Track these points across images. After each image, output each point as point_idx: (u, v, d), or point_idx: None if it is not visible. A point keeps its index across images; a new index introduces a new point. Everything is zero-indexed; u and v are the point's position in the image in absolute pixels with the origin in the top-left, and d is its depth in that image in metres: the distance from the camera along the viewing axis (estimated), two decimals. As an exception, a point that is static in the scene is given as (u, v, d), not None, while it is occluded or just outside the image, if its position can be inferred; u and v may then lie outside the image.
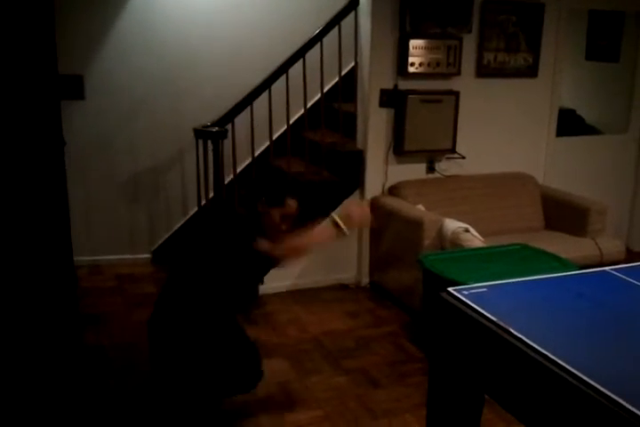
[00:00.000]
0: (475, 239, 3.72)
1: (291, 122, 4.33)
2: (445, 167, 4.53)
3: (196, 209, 4.63)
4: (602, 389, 1.40)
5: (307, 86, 4.20)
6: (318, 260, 4.28)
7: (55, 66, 2.72)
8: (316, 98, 4.49)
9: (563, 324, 1.78)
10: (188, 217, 4.94)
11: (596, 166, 5.11)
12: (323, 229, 2.64)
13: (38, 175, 2.75)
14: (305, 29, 4.24)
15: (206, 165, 4.03)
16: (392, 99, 4.24)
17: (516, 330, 1.67)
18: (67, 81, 4.35)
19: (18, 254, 2.72)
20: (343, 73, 4.41)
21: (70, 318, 2.84)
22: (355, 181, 4.37)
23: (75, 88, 4.47)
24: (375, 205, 4.33)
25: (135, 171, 4.78)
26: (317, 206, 3.47)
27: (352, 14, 4.23)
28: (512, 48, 4.54)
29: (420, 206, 4.13)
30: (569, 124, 5.21)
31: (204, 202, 4.26)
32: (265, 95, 4.11)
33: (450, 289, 1.95)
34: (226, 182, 4.22)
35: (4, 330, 2.68)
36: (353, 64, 4.43)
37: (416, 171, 4.46)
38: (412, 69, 4.19)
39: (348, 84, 4.41)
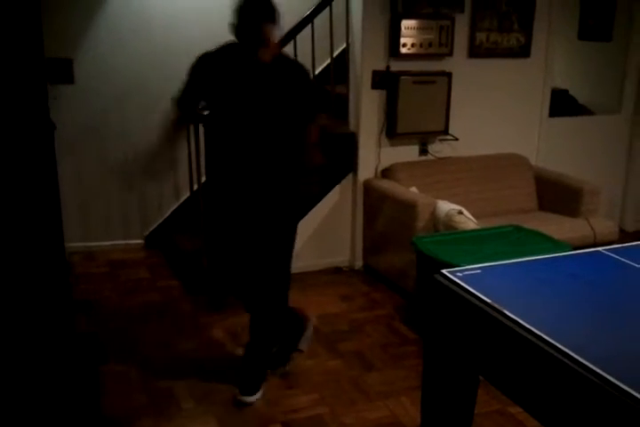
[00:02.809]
0: (468, 221, 3.71)
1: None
2: (438, 149, 4.51)
3: (188, 194, 4.60)
4: (595, 368, 1.40)
5: (298, 68, 4.16)
6: (311, 243, 4.28)
7: (41, 49, 2.68)
8: (308, 80, 4.46)
9: (556, 304, 1.77)
10: (180, 202, 4.92)
11: (589, 147, 5.10)
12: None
13: (28, 161, 2.72)
14: (296, 11, 4.19)
15: (198, 149, 4.00)
16: (384, 80, 4.21)
17: (509, 311, 1.66)
18: (56, 65, 4.30)
19: (8, 241, 2.70)
20: (335, 55, 4.37)
21: (63, 304, 2.82)
22: (347, 163, 4.35)
23: (64, 72, 4.42)
24: (368, 188, 4.32)
25: (127, 155, 4.74)
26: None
27: (343, -5, 4.19)
28: (504, 28, 4.50)
29: (414, 189, 4.12)
30: (562, 104, 5.19)
31: (195, 187, 4.23)
32: (256, 78, 4.06)
33: (443, 271, 1.94)
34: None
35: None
36: (344, 45, 4.39)
37: (409, 153, 4.44)
38: (404, 50, 4.15)
39: (340, 65, 4.37)
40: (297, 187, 2.94)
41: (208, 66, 2.82)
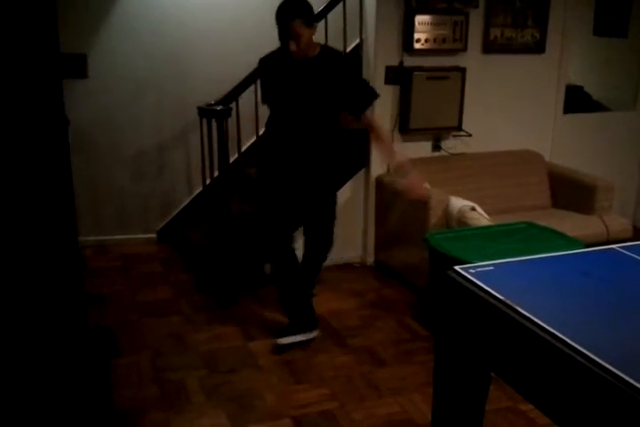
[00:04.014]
0: (481, 218, 3.70)
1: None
2: (451, 145, 4.50)
3: (200, 188, 4.61)
4: (609, 366, 1.39)
5: (311, 64, 4.16)
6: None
7: (57, 44, 2.69)
8: (321, 75, 4.45)
9: (570, 302, 1.76)
10: (192, 196, 4.93)
11: (604, 144, 5.06)
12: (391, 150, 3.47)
13: (42, 155, 2.73)
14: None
15: (211, 143, 4.01)
16: (398, 76, 4.20)
17: (523, 308, 1.65)
18: (70, 60, 4.32)
19: (22, 235, 2.72)
20: (348, 50, 4.35)
21: (75, 297, 2.84)
22: (360, 159, 4.35)
23: (78, 67, 4.44)
24: (381, 184, 4.31)
25: (140, 150, 4.76)
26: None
27: (357, -10, 4.18)
28: (519, 23, 4.47)
29: (426, 185, 4.10)
30: (576, 100, 5.16)
31: (208, 181, 4.24)
32: (269, 73, 4.06)
33: (456, 267, 1.93)
34: (230, 161, 4.19)
35: (9, 310, 2.68)
36: (358, 41, 4.38)
37: (422, 149, 4.43)
38: (417, 46, 4.13)
39: (354, 61, 4.36)
40: (338, 161, 3.50)
41: (265, 67, 3.30)
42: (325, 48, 3.31)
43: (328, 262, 4.37)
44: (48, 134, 2.71)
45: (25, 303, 2.72)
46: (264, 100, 3.36)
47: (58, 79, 2.74)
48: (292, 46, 3.10)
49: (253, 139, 4.43)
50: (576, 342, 1.48)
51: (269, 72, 3.29)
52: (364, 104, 3.36)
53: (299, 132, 3.28)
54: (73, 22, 4.23)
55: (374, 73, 4.16)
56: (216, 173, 4.13)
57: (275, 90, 3.27)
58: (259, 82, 3.57)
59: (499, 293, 1.75)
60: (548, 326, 1.56)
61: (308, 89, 3.21)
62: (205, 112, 4.01)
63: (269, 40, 4.03)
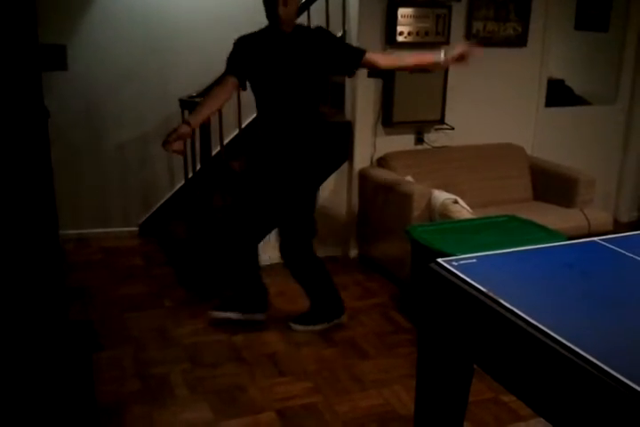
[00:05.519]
0: (463, 210, 3.71)
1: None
2: (434, 138, 4.51)
3: (182, 182, 4.59)
4: (591, 358, 1.40)
5: (294, 56, 4.14)
6: (307, 232, 4.26)
7: (36, 35, 2.65)
8: (304, 68, 4.44)
9: (552, 294, 1.77)
10: (175, 190, 4.90)
11: (585, 137, 5.10)
12: (424, 55, 3.39)
13: (21, 148, 2.70)
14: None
15: (193, 136, 3.98)
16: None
17: (505, 301, 1.66)
18: (49, 51, 4.26)
19: (2, 229, 2.69)
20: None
21: (56, 291, 2.81)
22: (343, 152, 4.34)
23: (57, 58, 4.38)
24: (364, 177, 4.31)
25: (121, 143, 4.72)
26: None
27: (340, -18, 4.16)
28: (501, 17, 4.49)
29: (409, 178, 4.11)
30: (558, 94, 5.18)
31: (190, 175, 4.22)
32: (251, 65, 4.04)
33: (439, 260, 1.93)
34: (212, 154, 4.17)
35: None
36: (341, 33, 4.37)
37: (405, 142, 4.43)
38: (400, 38, 4.13)
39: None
40: (321, 148, 3.38)
41: (243, 48, 3.20)
42: (298, 25, 3.28)
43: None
44: (27, 126, 2.68)
45: (5, 297, 2.69)
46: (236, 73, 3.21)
47: (37, 70, 2.70)
48: (281, 11, 3.03)
49: (236, 132, 4.41)
50: (558, 334, 1.49)
51: (251, 50, 3.19)
52: (355, 59, 3.24)
53: (286, 113, 3.22)
54: (52, 11, 4.17)
55: (357, 66, 4.15)
56: (198, 166, 4.11)
57: (258, 68, 3.18)
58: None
59: (481, 285, 1.75)
60: (531, 318, 1.57)
61: (295, 63, 3.16)
62: (187, 104, 3.98)
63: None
